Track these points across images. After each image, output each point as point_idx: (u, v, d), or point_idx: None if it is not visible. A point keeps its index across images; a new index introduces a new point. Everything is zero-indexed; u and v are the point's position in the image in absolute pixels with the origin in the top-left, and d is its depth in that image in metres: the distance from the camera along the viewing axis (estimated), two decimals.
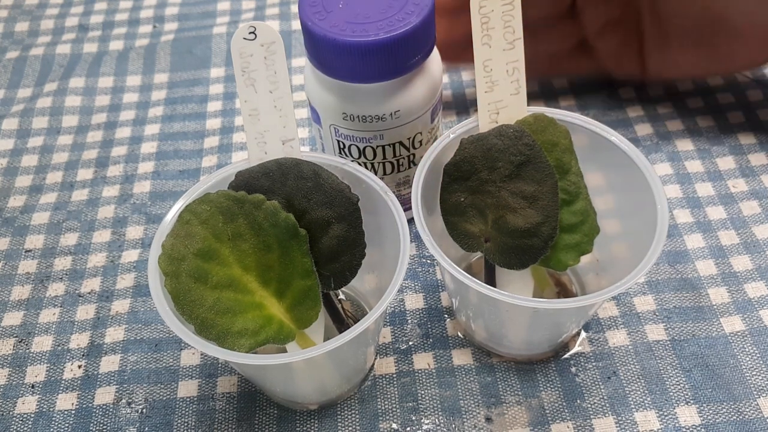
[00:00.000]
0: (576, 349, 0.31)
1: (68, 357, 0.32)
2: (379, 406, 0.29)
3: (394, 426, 0.29)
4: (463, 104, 0.42)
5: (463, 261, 0.33)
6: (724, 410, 0.28)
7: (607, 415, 0.29)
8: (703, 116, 0.40)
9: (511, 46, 0.27)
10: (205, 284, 0.24)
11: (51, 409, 0.30)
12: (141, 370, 0.31)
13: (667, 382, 0.29)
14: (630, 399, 0.29)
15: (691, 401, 0.29)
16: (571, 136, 0.27)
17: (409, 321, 0.32)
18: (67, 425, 0.30)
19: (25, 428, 0.30)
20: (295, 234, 0.25)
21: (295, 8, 0.50)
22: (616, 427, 0.28)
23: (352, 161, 0.30)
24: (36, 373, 0.31)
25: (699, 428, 0.28)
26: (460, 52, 0.38)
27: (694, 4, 0.35)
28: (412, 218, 0.26)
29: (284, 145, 0.27)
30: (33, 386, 0.31)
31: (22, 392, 0.31)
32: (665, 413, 0.29)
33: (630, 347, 0.31)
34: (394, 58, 0.28)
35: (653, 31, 0.37)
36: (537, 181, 0.26)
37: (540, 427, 0.28)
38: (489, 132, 0.27)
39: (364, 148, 0.31)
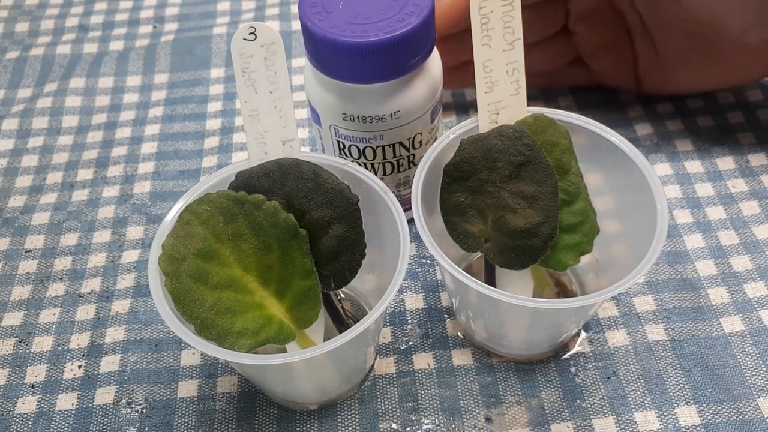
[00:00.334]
0: (576, 349, 0.31)
1: (68, 357, 0.32)
2: (379, 406, 0.29)
3: (394, 426, 0.29)
4: (463, 104, 0.42)
5: (463, 261, 0.33)
6: (724, 410, 0.28)
7: (607, 415, 0.29)
8: (703, 116, 0.40)
9: (511, 47, 0.27)
10: (205, 284, 0.24)
11: (51, 409, 0.30)
12: (141, 370, 0.31)
13: (666, 382, 0.29)
14: (630, 399, 0.29)
15: (691, 401, 0.29)
16: (571, 137, 0.27)
17: (409, 321, 0.32)
18: (67, 425, 0.30)
19: (25, 428, 0.30)
20: (295, 234, 0.25)
21: (295, 8, 0.50)
22: (616, 427, 0.28)
23: (352, 161, 0.30)
24: (36, 373, 0.31)
25: (699, 428, 0.28)
26: (458, 77, 0.38)
27: (684, 23, 0.35)
28: (412, 218, 0.26)
29: (284, 145, 0.27)
30: (33, 386, 0.31)
31: (22, 392, 0.31)
32: (665, 413, 0.29)
33: (630, 347, 0.31)
34: (394, 59, 0.28)
35: (646, 53, 0.37)
36: (537, 182, 0.26)
37: (540, 427, 0.28)
38: (489, 132, 0.27)
39: (364, 149, 0.31)
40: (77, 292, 0.34)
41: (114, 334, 0.32)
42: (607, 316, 0.32)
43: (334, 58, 0.28)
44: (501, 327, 0.29)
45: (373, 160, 0.31)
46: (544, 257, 0.27)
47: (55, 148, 0.41)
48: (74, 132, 0.42)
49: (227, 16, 0.50)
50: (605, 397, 0.29)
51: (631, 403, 0.29)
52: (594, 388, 0.29)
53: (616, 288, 0.24)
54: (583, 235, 0.27)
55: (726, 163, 0.37)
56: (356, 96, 0.29)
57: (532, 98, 0.41)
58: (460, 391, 0.30)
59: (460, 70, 0.39)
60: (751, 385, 0.29)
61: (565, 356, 0.31)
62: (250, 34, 0.25)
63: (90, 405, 0.30)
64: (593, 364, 0.30)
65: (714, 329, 0.31)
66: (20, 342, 0.33)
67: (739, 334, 0.31)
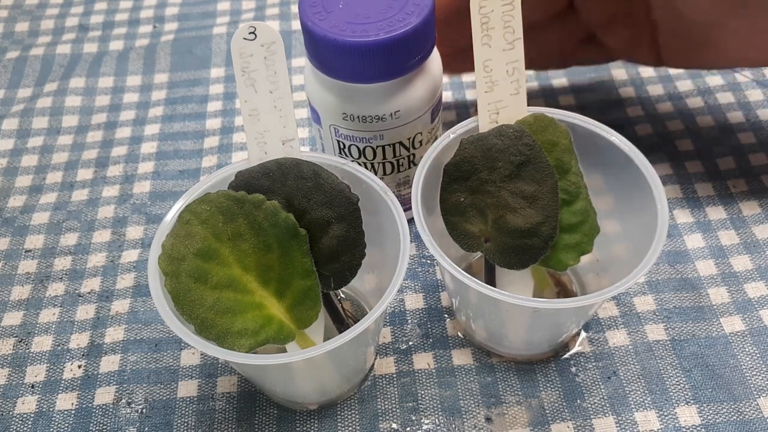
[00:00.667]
0: (576, 349, 0.31)
1: (68, 357, 0.32)
2: (379, 406, 0.29)
3: (394, 426, 0.29)
4: (463, 104, 0.42)
5: (463, 261, 0.33)
6: (724, 410, 0.28)
7: (607, 415, 0.29)
8: (703, 116, 0.40)
9: (511, 46, 0.27)
10: (205, 284, 0.24)
11: (51, 409, 0.30)
12: (141, 370, 0.31)
13: (667, 382, 0.29)
14: (630, 399, 0.29)
15: (691, 401, 0.29)
16: (571, 136, 0.27)
17: (409, 321, 0.32)
18: (66, 425, 0.30)
19: (25, 428, 0.30)
20: (295, 234, 0.25)
21: (295, 8, 0.50)
22: (616, 427, 0.28)
23: (352, 161, 0.30)
24: (36, 373, 0.31)
25: (699, 428, 0.28)
26: (459, 63, 0.37)
27: None
28: (412, 218, 0.26)
29: (284, 145, 0.27)
30: (33, 386, 0.31)
31: (21, 392, 0.31)
32: (665, 413, 0.29)
33: (630, 347, 0.31)
34: (394, 59, 0.28)
35: (668, 24, 0.33)
36: (537, 181, 0.26)
37: (540, 427, 0.28)
38: (489, 132, 0.27)
39: (364, 149, 0.31)
40: (77, 291, 0.34)
41: (114, 334, 0.32)
42: (607, 316, 0.32)
43: (334, 57, 0.28)
44: (501, 327, 0.29)
45: (373, 159, 0.31)
46: (544, 257, 0.27)
47: (54, 148, 0.41)
48: (74, 132, 0.42)
49: (227, 16, 0.50)
50: (605, 397, 0.29)
51: (632, 403, 0.29)
52: (594, 388, 0.29)
53: (617, 288, 0.24)
54: (584, 234, 0.27)
55: (726, 162, 0.37)
56: (356, 96, 0.29)
57: (533, 97, 0.41)
58: (460, 391, 0.30)
59: (460, 57, 0.38)
60: (752, 385, 0.29)
61: (566, 356, 0.31)
62: (250, 33, 0.25)
63: (90, 405, 0.30)
64: (593, 364, 0.30)
65: (714, 329, 0.31)
66: (20, 342, 0.32)
67: (739, 334, 0.31)
